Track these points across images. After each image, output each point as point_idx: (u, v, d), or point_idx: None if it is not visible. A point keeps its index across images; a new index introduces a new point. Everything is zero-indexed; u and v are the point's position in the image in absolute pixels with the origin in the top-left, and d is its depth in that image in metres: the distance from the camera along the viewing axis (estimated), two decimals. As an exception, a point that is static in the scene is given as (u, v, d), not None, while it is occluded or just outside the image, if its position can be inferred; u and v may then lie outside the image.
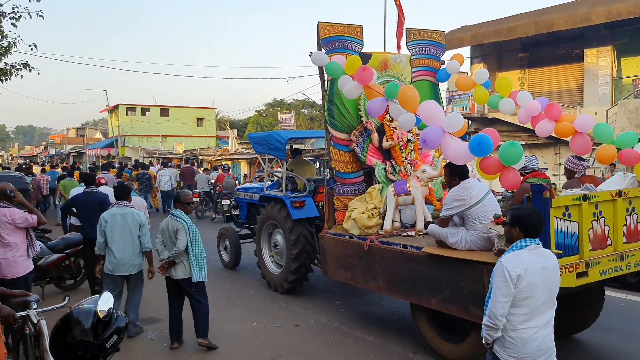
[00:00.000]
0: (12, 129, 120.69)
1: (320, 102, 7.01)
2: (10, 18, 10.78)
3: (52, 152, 55.70)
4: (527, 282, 3.03)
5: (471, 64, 20.34)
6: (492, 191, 5.59)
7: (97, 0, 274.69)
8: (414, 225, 6.11)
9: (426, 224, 5.79)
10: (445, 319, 5.24)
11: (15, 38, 11.16)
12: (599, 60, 17.21)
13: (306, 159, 10.42)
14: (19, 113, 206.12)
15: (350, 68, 6.02)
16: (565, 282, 4.20)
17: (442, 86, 9.26)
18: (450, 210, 4.96)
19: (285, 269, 7.77)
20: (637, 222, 4.86)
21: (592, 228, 4.51)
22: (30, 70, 11.45)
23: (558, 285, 3.19)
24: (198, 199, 16.57)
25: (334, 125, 6.85)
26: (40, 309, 3.99)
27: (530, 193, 4.28)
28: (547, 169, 10.77)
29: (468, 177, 5.04)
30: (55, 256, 7.78)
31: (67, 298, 4.18)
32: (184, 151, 36.86)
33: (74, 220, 9.74)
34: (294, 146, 11.18)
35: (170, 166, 19.59)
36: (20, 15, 10.80)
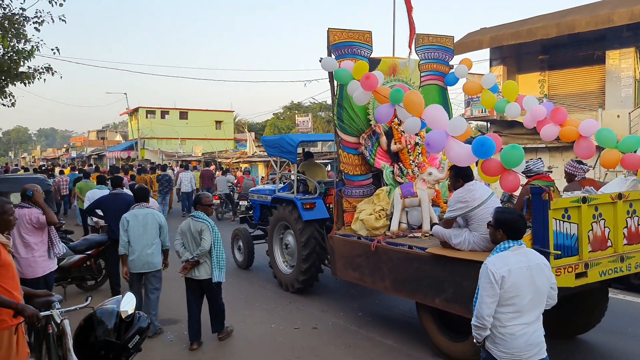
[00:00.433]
0: (34, 132, 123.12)
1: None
2: (33, 22, 10.83)
3: (74, 154, 56.88)
4: (512, 283, 3.15)
5: (490, 66, 20.11)
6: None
7: (119, 5, 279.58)
8: (420, 227, 6.25)
9: (432, 226, 5.90)
10: (450, 317, 5.36)
11: (38, 42, 11.17)
12: (622, 62, 16.88)
13: (318, 162, 10.58)
14: (41, 116, 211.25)
15: (357, 73, 6.17)
16: (564, 282, 4.32)
17: (459, 90, 9.27)
18: (454, 211, 5.08)
19: (296, 270, 7.94)
20: (638, 224, 4.91)
21: (592, 230, 4.59)
22: (52, 74, 11.44)
23: (547, 283, 3.29)
24: (218, 201, 16.81)
25: (343, 128, 7.01)
26: (63, 309, 4.04)
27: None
28: (551, 171, 10.73)
29: (472, 180, 5.17)
30: (77, 257, 7.97)
31: (89, 298, 4.24)
32: (203, 154, 37.34)
33: (93, 222, 10.03)
34: (306, 149, 11.37)
35: (190, 168, 19.96)
36: (43, 20, 10.83)
